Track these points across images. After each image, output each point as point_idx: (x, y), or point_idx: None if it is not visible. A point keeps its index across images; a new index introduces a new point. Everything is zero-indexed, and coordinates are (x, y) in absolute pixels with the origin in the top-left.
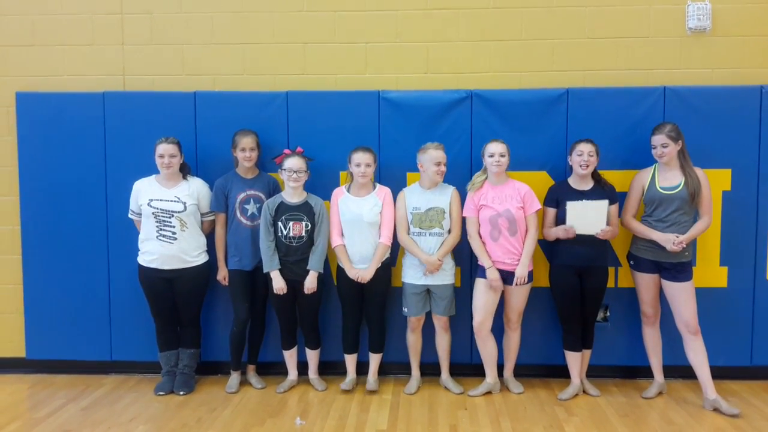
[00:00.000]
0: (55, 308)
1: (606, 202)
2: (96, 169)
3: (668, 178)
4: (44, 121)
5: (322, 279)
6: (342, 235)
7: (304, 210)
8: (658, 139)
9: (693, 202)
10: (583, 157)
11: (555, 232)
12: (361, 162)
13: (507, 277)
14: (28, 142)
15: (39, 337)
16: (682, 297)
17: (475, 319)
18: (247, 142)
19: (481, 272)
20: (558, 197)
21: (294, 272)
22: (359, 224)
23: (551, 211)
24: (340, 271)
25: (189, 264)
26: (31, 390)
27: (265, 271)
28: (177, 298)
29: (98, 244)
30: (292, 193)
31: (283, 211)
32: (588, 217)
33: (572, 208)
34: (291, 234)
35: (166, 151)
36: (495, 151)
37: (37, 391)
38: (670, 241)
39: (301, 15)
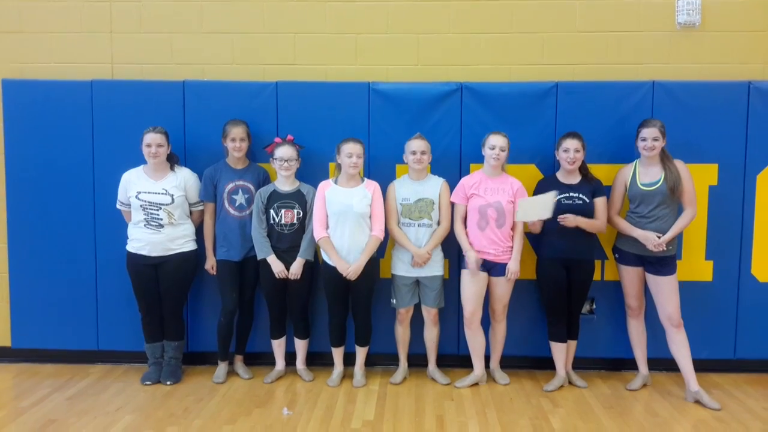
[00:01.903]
0: (41, 297)
1: (554, 193)
2: (83, 157)
3: (649, 174)
4: (31, 109)
5: (312, 267)
6: (327, 227)
7: (296, 198)
8: (650, 132)
9: (674, 196)
10: (569, 153)
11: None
12: (353, 152)
13: (491, 267)
14: (14, 130)
15: (25, 326)
16: (665, 291)
17: (466, 310)
18: (237, 132)
19: (467, 264)
20: (547, 191)
21: (285, 260)
22: (348, 215)
23: None
24: (325, 266)
25: (175, 251)
26: (17, 379)
27: (259, 258)
28: (161, 285)
29: (85, 233)
30: (285, 182)
31: (276, 198)
32: (536, 209)
33: (521, 204)
34: (283, 221)
35: (153, 140)
36: (496, 144)
37: (22, 380)
38: (650, 240)
39: (291, 5)
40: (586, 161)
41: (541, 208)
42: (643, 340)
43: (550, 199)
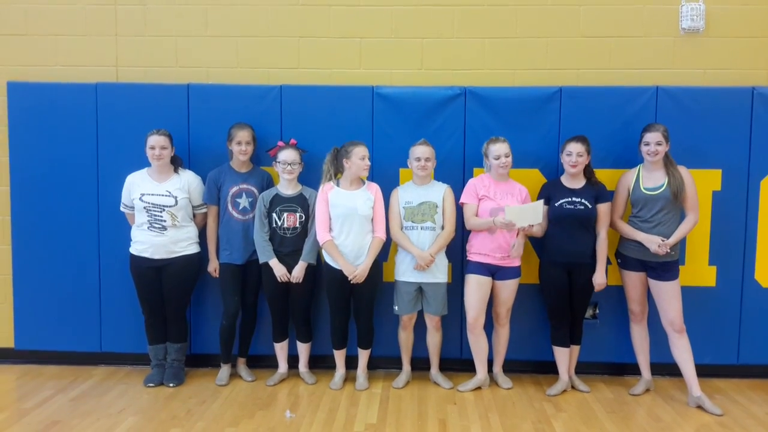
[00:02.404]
0: (44, 299)
1: (541, 202)
2: (88, 160)
3: (652, 179)
4: (36, 112)
5: (314, 271)
6: (330, 230)
7: (299, 201)
8: (653, 137)
9: (677, 201)
10: (572, 157)
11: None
12: (366, 155)
13: (496, 271)
14: (19, 133)
15: (28, 327)
16: (667, 296)
17: (470, 315)
18: (243, 135)
19: (471, 268)
20: (550, 194)
21: (287, 264)
22: (353, 218)
23: (545, 208)
24: (327, 268)
25: (178, 254)
26: (20, 381)
27: (261, 261)
28: (164, 288)
29: (89, 235)
30: (287, 185)
31: (278, 202)
32: (526, 216)
33: (510, 212)
34: (285, 225)
35: (156, 143)
36: (500, 152)
37: (25, 381)
38: (655, 243)
39: (296, 9)
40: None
41: (530, 214)
42: (646, 345)
43: (539, 206)
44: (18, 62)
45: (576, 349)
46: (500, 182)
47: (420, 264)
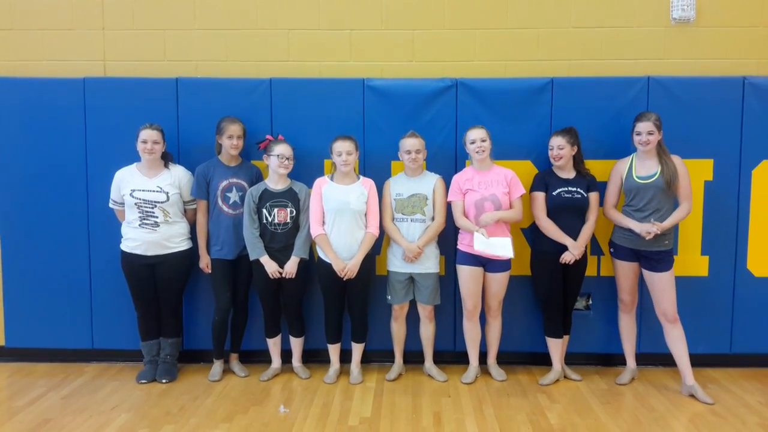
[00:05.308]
0: (34, 296)
1: (509, 239)
2: (76, 155)
3: (645, 168)
4: (23, 107)
5: (306, 265)
6: (323, 224)
7: (289, 196)
8: (645, 126)
9: (669, 190)
10: (553, 151)
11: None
12: (342, 150)
13: (486, 263)
14: (5, 128)
15: (18, 324)
16: (660, 286)
17: (468, 303)
18: (235, 129)
19: (461, 259)
20: (547, 181)
21: (278, 259)
22: (345, 213)
23: (541, 196)
24: (321, 262)
25: (171, 250)
26: (11, 379)
27: (252, 258)
28: (158, 285)
29: (79, 231)
30: (277, 180)
31: (268, 197)
32: (494, 247)
33: (478, 242)
34: (276, 220)
35: (149, 137)
36: (476, 137)
37: (16, 379)
38: (645, 228)
39: (285, 1)
40: (583, 156)
41: (499, 247)
42: (633, 334)
43: (507, 243)
44: (4, 57)
45: (566, 339)
46: (482, 171)
47: (408, 256)
